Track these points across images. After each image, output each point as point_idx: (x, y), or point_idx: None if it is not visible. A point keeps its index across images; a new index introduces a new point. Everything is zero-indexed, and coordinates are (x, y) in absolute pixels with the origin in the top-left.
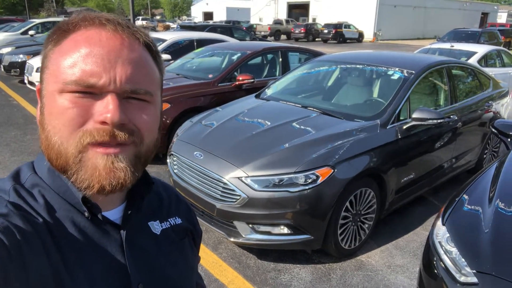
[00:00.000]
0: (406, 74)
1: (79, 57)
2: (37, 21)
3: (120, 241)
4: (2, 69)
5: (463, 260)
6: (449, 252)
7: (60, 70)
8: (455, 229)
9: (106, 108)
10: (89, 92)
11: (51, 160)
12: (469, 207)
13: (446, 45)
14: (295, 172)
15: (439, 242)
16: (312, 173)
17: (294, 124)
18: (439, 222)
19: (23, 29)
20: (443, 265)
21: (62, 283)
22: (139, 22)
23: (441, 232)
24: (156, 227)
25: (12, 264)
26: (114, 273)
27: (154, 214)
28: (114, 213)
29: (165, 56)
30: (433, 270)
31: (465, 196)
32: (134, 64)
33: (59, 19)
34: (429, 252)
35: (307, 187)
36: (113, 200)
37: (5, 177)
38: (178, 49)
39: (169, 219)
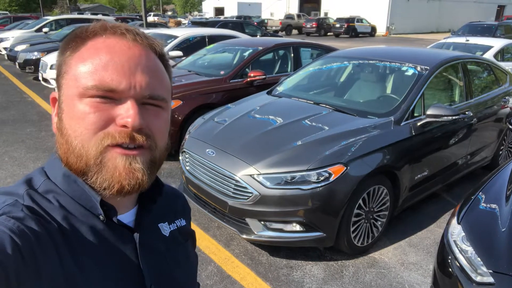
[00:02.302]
0: (420, 70)
1: (100, 64)
2: (51, 18)
3: (134, 244)
4: (17, 66)
5: (479, 259)
6: (464, 251)
7: (80, 75)
8: (470, 228)
9: (127, 113)
10: (109, 97)
11: (71, 164)
12: (485, 205)
13: (461, 39)
14: (307, 170)
15: (454, 241)
16: (325, 171)
17: (306, 121)
18: (454, 221)
19: (37, 27)
20: (458, 264)
21: (76, 286)
22: (150, 18)
23: (456, 231)
24: (165, 228)
25: (25, 267)
26: (128, 275)
27: (163, 216)
28: (127, 217)
29: (176, 53)
30: (448, 269)
31: (481, 194)
32: (152, 72)
33: (72, 16)
34: (444, 251)
35: (319, 185)
36: (126, 204)
37: (16, 182)
38: (190, 46)
39: (176, 221)
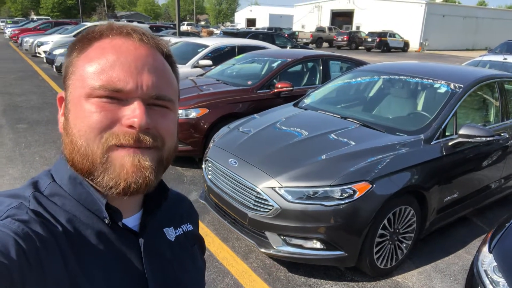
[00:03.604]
0: (454, 88)
1: (107, 64)
2: (89, 24)
3: (138, 248)
4: (54, 69)
5: None
6: (495, 282)
7: (87, 75)
8: (503, 258)
9: (133, 113)
10: (116, 97)
11: (76, 164)
12: None
13: (499, 58)
14: (330, 186)
15: (485, 271)
16: (349, 188)
17: (332, 135)
18: (486, 249)
19: (75, 32)
20: None
21: None
22: (183, 27)
23: (488, 260)
24: (171, 233)
25: (30, 270)
26: (133, 280)
27: (169, 220)
28: (131, 220)
29: (206, 62)
30: None
31: None
32: (159, 72)
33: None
34: (473, 280)
35: (342, 202)
36: (131, 207)
37: (23, 185)
38: (220, 55)
39: (182, 226)
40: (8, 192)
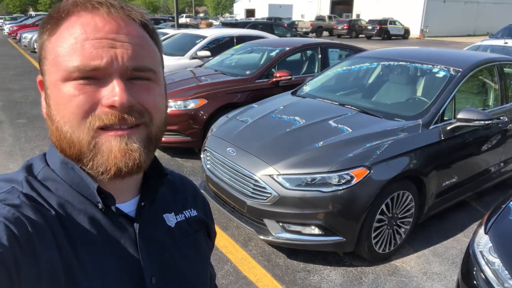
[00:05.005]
0: (452, 72)
1: (77, 44)
2: None
3: (134, 234)
4: None
5: (507, 272)
6: (491, 263)
7: (59, 58)
8: (499, 239)
9: (112, 92)
10: (93, 77)
11: (64, 151)
12: None
13: (499, 42)
14: (328, 172)
15: (481, 252)
16: (347, 173)
17: (329, 122)
18: (481, 230)
19: None
20: (483, 276)
21: (73, 276)
22: (182, 20)
23: (483, 241)
24: (171, 219)
25: (23, 256)
26: (127, 266)
27: (170, 206)
28: (128, 206)
29: (204, 53)
30: (472, 281)
31: None
32: (134, 43)
33: None
34: (469, 261)
35: (340, 188)
36: (126, 191)
37: (17, 169)
38: (218, 46)
39: (184, 212)
40: (1, 177)
